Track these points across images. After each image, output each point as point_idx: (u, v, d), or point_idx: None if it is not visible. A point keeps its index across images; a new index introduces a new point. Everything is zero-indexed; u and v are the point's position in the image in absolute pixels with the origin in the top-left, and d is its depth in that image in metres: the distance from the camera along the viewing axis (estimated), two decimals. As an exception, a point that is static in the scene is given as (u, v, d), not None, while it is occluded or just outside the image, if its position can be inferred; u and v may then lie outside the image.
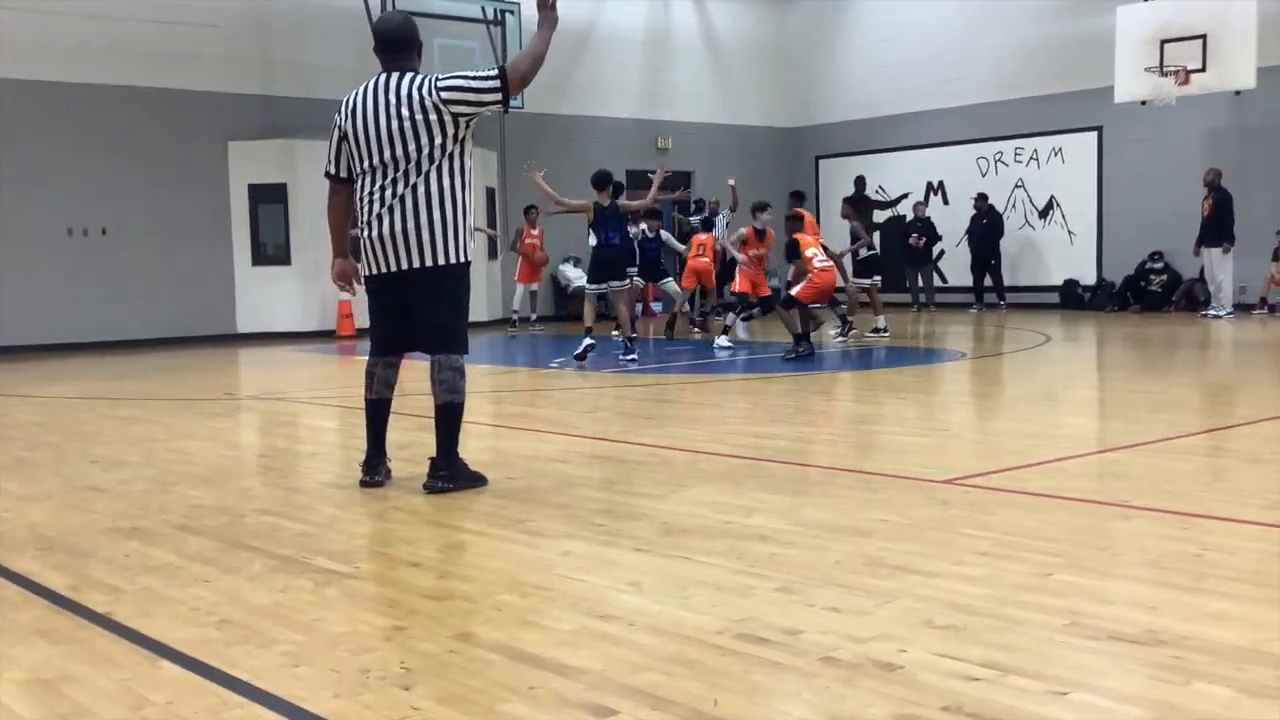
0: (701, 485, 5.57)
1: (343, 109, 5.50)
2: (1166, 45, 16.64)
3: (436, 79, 5.41)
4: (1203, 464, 5.99)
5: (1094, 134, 19.53)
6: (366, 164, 5.42)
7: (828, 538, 4.38)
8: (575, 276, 20.07)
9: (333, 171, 5.60)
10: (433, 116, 5.32)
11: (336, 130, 5.51)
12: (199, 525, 4.94)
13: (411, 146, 5.34)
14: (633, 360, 11.97)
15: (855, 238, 14.86)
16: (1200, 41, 16.41)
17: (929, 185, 21.73)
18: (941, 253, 21.02)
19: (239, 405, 9.91)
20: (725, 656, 3.09)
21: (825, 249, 12.98)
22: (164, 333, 16.86)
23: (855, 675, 2.92)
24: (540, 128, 20.00)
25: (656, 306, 21.47)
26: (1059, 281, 20.16)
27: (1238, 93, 16.85)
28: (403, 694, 2.89)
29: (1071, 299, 19.83)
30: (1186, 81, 16.52)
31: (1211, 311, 16.90)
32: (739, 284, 13.75)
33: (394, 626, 3.44)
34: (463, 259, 5.46)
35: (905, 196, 22.22)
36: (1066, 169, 19.80)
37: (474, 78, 5.41)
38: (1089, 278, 19.58)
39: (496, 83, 5.38)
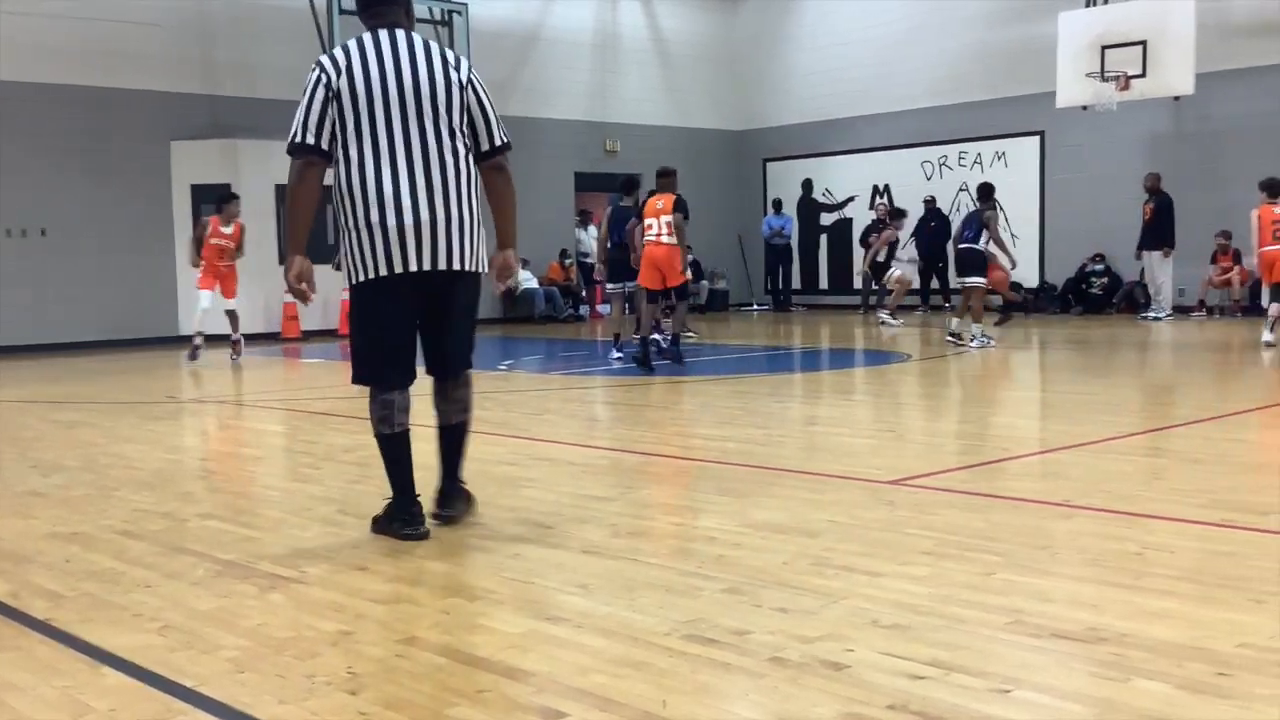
0: (650, 487, 5.58)
1: (332, 64, 4.45)
2: (1107, 51, 16.87)
3: (459, 58, 4.64)
4: (1142, 464, 6.08)
5: (1036, 138, 19.76)
6: (380, 132, 4.39)
7: (775, 539, 4.40)
8: (525, 278, 20.01)
9: (311, 141, 4.41)
10: (455, 92, 4.51)
11: (322, 88, 4.42)
12: (141, 530, 4.88)
13: (444, 117, 4.47)
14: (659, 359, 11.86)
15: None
16: (1140, 47, 16.64)
17: (875, 188, 21.89)
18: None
19: (181, 408, 9.79)
20: (673, 657, 3.10)
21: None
22: (105, 334, 16.61)
23: (802, 675, 2.94)
24: (488, 129, 19.90)
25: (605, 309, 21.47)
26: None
27: (1177, 98, 17.12)
28: (349, 699, 2.87)
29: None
30: (1127, 87, 16.76)
31: (1151, 314, 17.16)
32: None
33: (340, 631, 3.42)
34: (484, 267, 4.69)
35: (852, 199, 22.38)
36: (1009, 173, 20.02)
37: (494, 110, 4.65)
38: (1031, 280, 19.81)
39: (503, 142, 4.63)
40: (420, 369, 4.67)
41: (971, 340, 12.95)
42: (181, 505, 5.44)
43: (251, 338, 17.22)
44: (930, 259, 20.32)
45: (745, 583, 3.78)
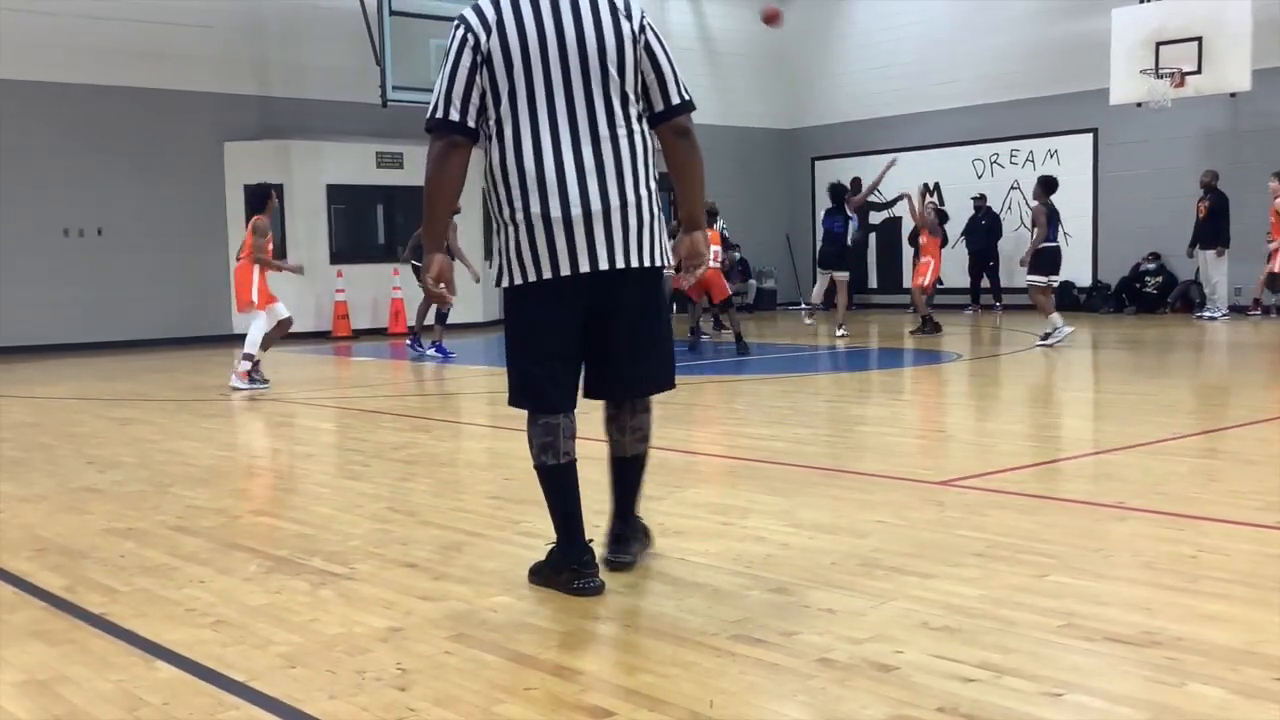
0: (698, 486, 5.57)
1: (479, 20, 3.64)
2: (1162, 47, 16.65)
3: (629, 2, 3.79)
4: (1197, 465, 5.99)
5: (1089, 136, 19.54)
6: (540, 103, 3.63)
7: (824, 539, 4.38)
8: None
9: (455, 116, 3.64)
10: (629, 48, 3.70)
11: (470, 52, 3.62)
12: (194, 526, 4.94)
13: (615, 81, 3.67)
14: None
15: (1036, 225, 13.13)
16: (1196, 44, 16.41)
17: (925, 186, 21.73)
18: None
19: (234, 406, 9.90)
20: (721, 657, 3.10)
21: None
22: (159, 333, 16.83)
23: (851, 676, 2.92)
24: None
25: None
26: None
27: (1233, 95, 16.87)
28: (399, 695, 2.89)
29: (1067, 301, 19.83)
30: (1182, 84, 16.53)
31: (1206, 313, 16.91)
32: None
33: (390, 628, 3.44)
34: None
35: (901, 198, 22.23)
36: (1062, 171, 19.77)
37: (672, 63, 3.82)
38: (1084, 279, 19.58)
39: (682, 100, 3.81)
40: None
41: (1050, 335, 12.78)
42: (234, 502, 5.50)
43: (303, 336, 17.39)
44: (980, 257, 20.13)
45: (793, 583, 3.77)
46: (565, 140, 3.62)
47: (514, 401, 3.86)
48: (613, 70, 3.65)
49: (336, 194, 18.05)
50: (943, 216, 19.53)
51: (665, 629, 3.35)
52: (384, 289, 18.40)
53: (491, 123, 3.66)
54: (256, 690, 2.95)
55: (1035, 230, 13.00)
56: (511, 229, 3.67)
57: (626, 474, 4.04)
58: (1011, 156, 20.66)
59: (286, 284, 18.00)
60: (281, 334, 10.90)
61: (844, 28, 22.93)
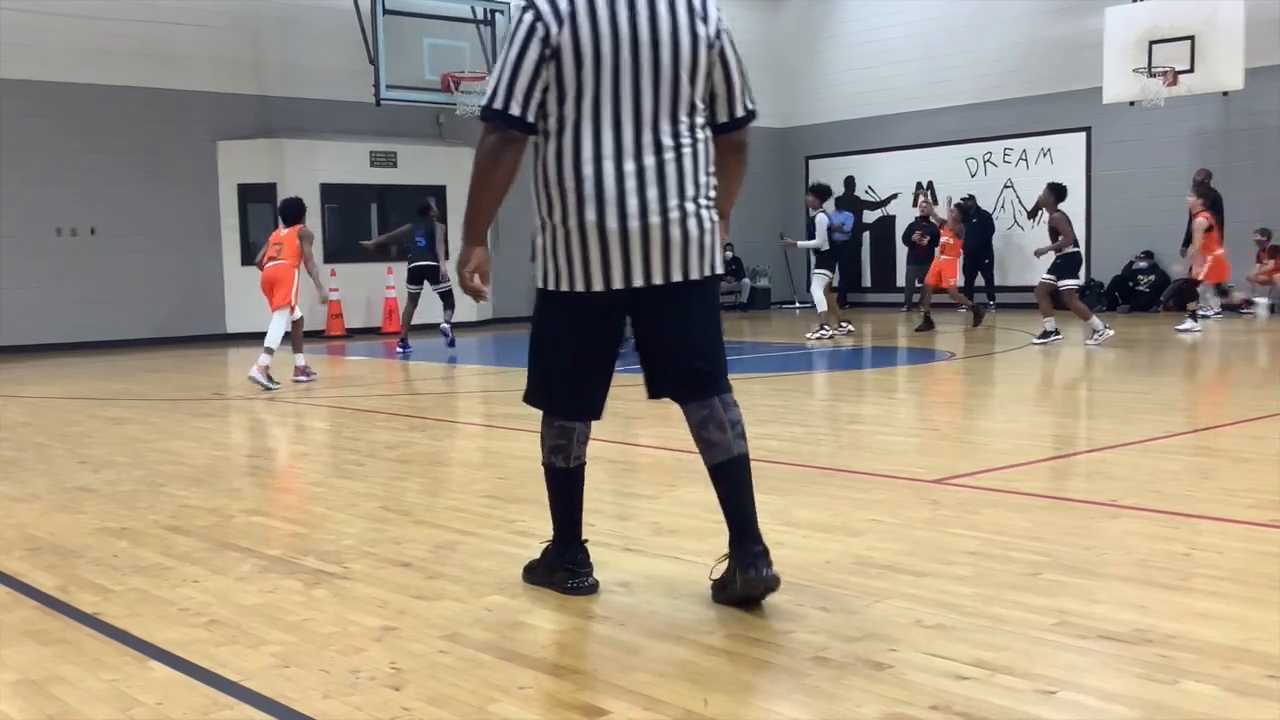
0: (692, 485, 5.57)
1: (551, 9, 3.39)
2: (1155, 46, 16.69)
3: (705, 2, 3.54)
4: (1190, 463, 6.01)
5: (1082, 135, 19.57)
6: (606, 106, 3.40)
7: (818, 537, 4.39)
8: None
9: (516, 111, 3.40)
10: (702, 53, 3.48)
11: (538, 43, 3.37)
12: (188, 526, 4.93)
13: (685, 89, 3.46)
14: None
15: (1055, 234, 13.23)
16: (1188, 43, 16.45)
17: (918, 185, 21.76)
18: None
19: (228, 405, 9.89)
20: (716, 656, 3.10)
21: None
22: (153, 333, 16.82)
23: (845, 675, 2.93)
24: (530, 128, 19.94)
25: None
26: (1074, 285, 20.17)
27: (1226, 94, 16.90)
28: (393, 694, 2.89)
29: (1059, 299, 19.82)
30: (1174, 83, 16.57)
31: (1200, 311, 16.93)
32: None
33: (384, 627, 3.44)
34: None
35: (895, 197, 22.26)
36: (1055, 170, 19.83)
37: (742, 72, 3.62)
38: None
39: (746, 112, 3.62)
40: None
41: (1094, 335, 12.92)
42: (228, 501, 5.49)
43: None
44: (973, 257, 20.13)
45: (787, 581, 3.76)
46: (628, 148, 3.41)
47: (531, 400, 3.73)
48: (684, 76, 3.44)
49: (330, 193, 18.04)
50: (967, 214, 19.06)
51: (659, 628, 3.35)
52: (378, 288, 18.40)
53: (552, 120, 3.44)
54: (250, 690, 2.95)
55: (1060, 238, 13.02)
56: (560, 232, 3.47)
57: (734, 479, 3.55)
58: (1005, 155, 20.68)
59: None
60: (298, 333, 11.15)
61: (837, 27, 22.94)
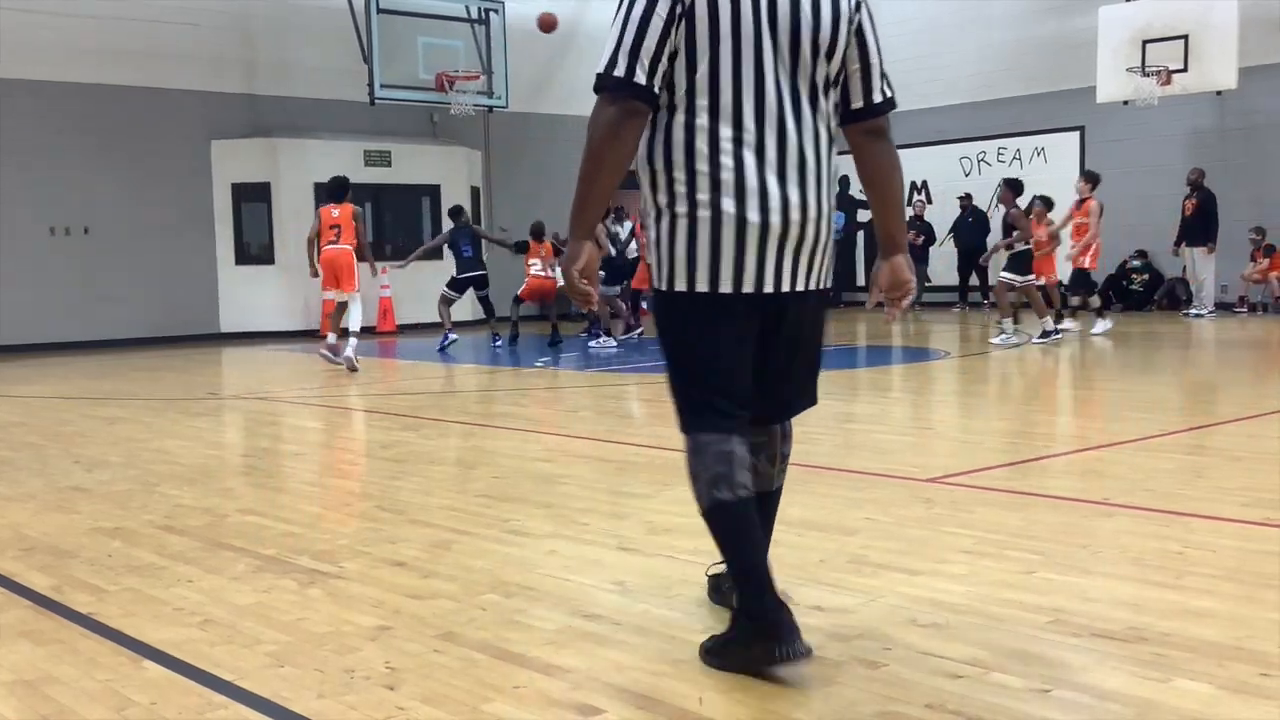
0: (686, 484, 5.57)
1: None
2: (1148, 45, 16.71)
3: None
4: (1184, 462, 6.01)
5: (1076, 134, 19.58)
6: (747, 79, 2.94)
7: (812, 536, 4.39)
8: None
9: (641, 79, 2.92)
10: (843, 27, 3.05)
11: (666, 1, 2.91)
12: (182, 525, 4.93)
13: (822, 64, 3.04)
14: None
15: (1011, 229, 13.13)
16: (1182, 42, 16.47)
17: (913, 185, 21.77)
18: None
19: (222, 405, 9.88)
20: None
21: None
22: (146, 332, 16.79)
23: (839, 673, 2.93)
24: (524, 126, 19.96)
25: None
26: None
27: (1219, 93, 16.93)
28: (387, 694, 2.88)
29: (1049, 296, 19.86)
30: (1168, 82, 16.59)
31: (1193, 311, 16.97)
32: None
33: (378, 626, 3.44)
34: None
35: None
36: (1049, 169, 19.84)
37: (880, 52, 3.17)
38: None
39: (885, 97, 3.20)
40: None
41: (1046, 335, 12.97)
42: (222, 501, 5.48)
43: (291, 334, 17.36)
44: (969, 255, 20.18)
45: (782, 580, 3.76)
46: (771, 129, 2.96)
47: (691, 427, 3.08)
48: (822, 51, 3.00)
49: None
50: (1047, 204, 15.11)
51: (654, 626, 3.35)
52: (372, 287, 18.36)
53: (680, 92, 2.96)
54: (245, 689, 2.95)
55: (1016, 231, 13.14)
56: (686, 224, 2.97)
57: (772, 512, 3.35)
58: (999, 154, 20.70)
59: (275, 282, 18.02)
60: (340, 313, 11.99)
61: (832, 26, 22.93)
